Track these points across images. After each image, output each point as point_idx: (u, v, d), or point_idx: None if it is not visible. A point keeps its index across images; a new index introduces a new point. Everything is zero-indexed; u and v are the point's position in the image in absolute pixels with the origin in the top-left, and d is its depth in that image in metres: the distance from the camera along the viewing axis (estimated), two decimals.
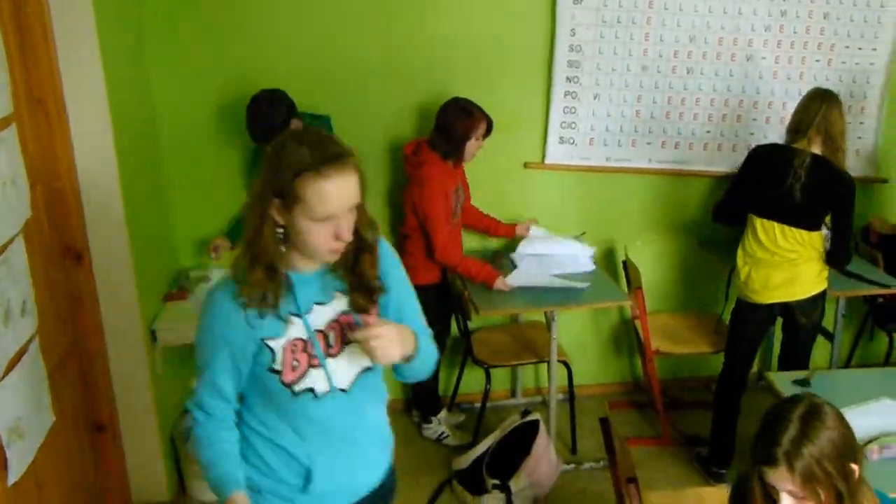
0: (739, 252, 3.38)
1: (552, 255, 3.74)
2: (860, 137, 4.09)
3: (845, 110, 3.29)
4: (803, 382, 2.81)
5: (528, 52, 3.77)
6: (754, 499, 1.74)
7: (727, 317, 3.77)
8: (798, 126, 3.22)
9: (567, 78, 3.80)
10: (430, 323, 3.69)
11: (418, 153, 3.52)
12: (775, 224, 3.24)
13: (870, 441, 2.40)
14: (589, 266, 3.74)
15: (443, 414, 3.91)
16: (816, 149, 3.16)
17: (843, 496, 1.64)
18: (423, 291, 3.57)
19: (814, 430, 1.64)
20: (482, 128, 3.47)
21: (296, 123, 3.28)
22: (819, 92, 3.26)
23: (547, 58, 3.78)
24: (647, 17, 3.78)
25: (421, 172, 3.46)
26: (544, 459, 3.37)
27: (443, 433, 3.87)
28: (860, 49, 3.99)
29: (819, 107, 3.18)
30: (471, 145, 3.48)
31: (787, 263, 3.25)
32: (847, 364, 4.25)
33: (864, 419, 2.52)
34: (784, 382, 2.82)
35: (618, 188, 4.03)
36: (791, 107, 3.36)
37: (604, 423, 2.53)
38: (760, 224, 3.27)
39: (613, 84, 3.85)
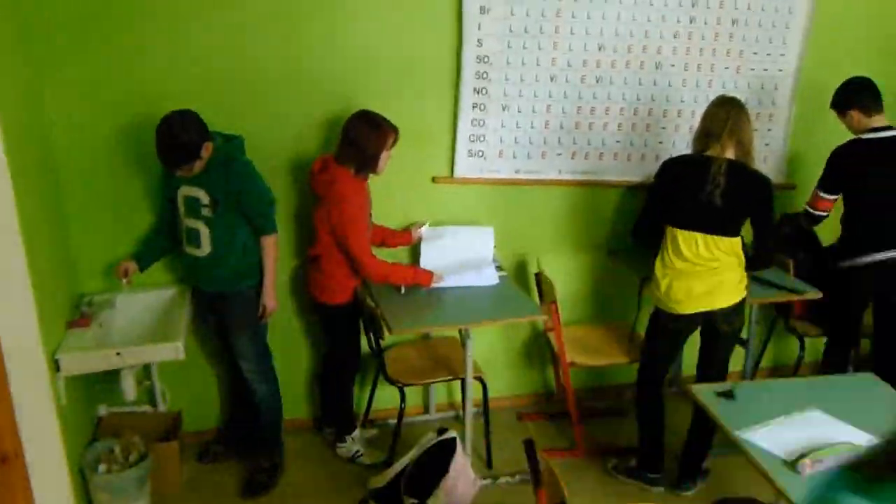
0: (658, 264, 3.36)
1: (455, 252, 3.73)
2: (768, 144, 4.11)
3: (754, 117, 3.30)
4: (728, 394, 2.78)
5: (435, 63, 3.65)
6: None
7: (640, 327, 3.76)
8: (708, 133, 3.20)
9: (475, 90, 3.69)
10: (342, 342, 3.65)
11: (326, 170, 3.40)
12: (697, 234, 3.21)
13: (801, 455, 2.37)
14: (494, 279, 3.68)
15: (357, 432, 3.82)
16: (730, 154, 3.16)
17: None
18: (335, 311, 3.59)
19: None
20: (392, 140, 3.38)
21: (207, 147, 3.14)
22: (725, 99, 3.26)
23: (454, 69, 3.67)
24: (555, 26, 3.69)
25: (334, 191, 3.35)
26: (462, 477, 3.32)
27: (357, 452, 3.79)
28: (769, 55, 3.99)
29: (728, 113, 3.17)
30: (383, 158, 3.39)
31: (709, 273, 3.24)
32: (756, 367, 4.29)
33: (794, 432, 2.53)
34: (708, 394, 2.79)
35: (529, 201, 3.96)
36: (701, 114, 3.33)
37: (528, 445, 2.47)
38: (681, 235, 3.25)
39: (522, 95, 3.76)
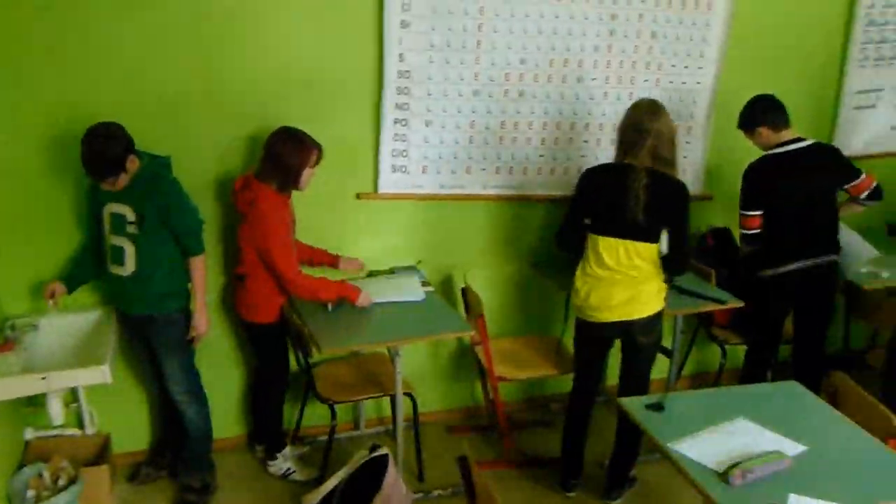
0: (578, 273, 3.38)
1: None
2: (686, 157, 4.18)
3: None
4: (657, 406, 2.81)
5: (356, 78, 3.60)
6: None
7: (567, 338, 3.79)
8: (625, 141, 3.22)
9: (397, 105, 3.66)
10: (270, 360, 3.58)
11: (249, 188, 3.34)
12: (618, 242, 3.23)
13: (731, 466, 2.40)
14: (420, 295, 3.65)
15: (287, 450, 3.77)
16: (648, 162, 3.17)
17: None
18: (263, 330, 3.50)
19: None
20: (315, 156, 3.33)
21: (132, 160, 3.11)
22: (646, 102, 3.26)
23: (376, 84, 3.63)
24: (476, 40, 3.68)
25: (257, 208, 3.30)
26: (395, 493, 3.30)
27: (289, 469, 3.74)
28: (687, 68, 4.07)
29: (648, 119, 3.17)
30: (306, 174, 3.34)
31: (629, 281, 3.26)
32: (679, 375, 4.37)
33: (723, 442, 2.57)
34: (636, 406, 2.82)
35: (454, 216, 3.95)
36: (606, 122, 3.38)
37: (462, 461, 2.47)
38: (603, 243, 3.27)
39: (445, 110, 3.75)
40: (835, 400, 2.90)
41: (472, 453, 3.80)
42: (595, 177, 3.34)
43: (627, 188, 3.15)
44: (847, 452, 2.54)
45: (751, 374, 3.97)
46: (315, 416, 3.92)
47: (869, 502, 2.27)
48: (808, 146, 3.71)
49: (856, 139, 4.48)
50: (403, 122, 3.70)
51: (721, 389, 3.51)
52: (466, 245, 4.04)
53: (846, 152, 3.92)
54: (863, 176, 3.76)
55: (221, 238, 3.65)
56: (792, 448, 2.52)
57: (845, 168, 3.78)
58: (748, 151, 3.78)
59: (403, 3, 3.52)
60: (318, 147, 3.33)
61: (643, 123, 3.17)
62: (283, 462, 3.74)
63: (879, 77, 4.37)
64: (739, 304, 3.75)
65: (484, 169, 3.90)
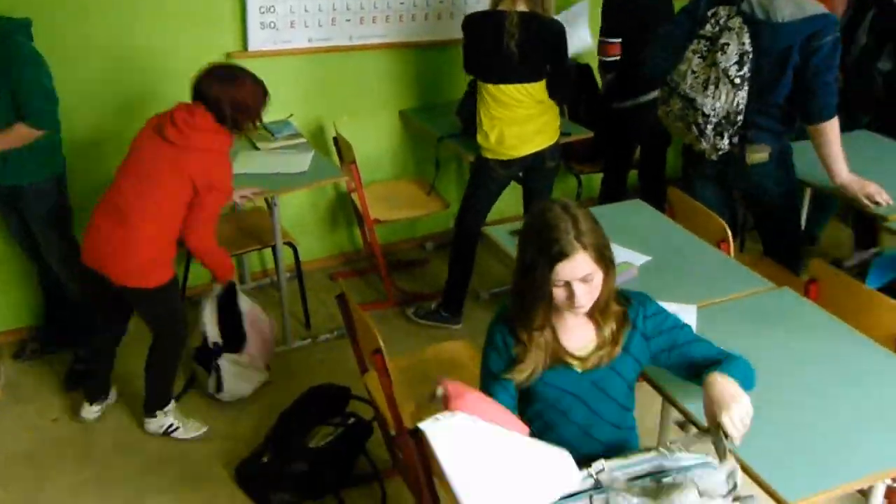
0: (483, 117, 3.54)
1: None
2: None
3: None
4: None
5: None
6: (537, 321, 1.92)
7: (439, 181, 4.05)
8: None
9: None
10: (170, 321, 3.19)
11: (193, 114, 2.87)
12: (509, 86, 3.43)
13: None
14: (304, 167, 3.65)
15: (172, 403, 3.30)
16: (521, 7, 3.35)
17: (611, 262, 1.90)
18: (159, 294, 2.99)
19: (578, 213, 1.85)
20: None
21: None
22: None
23: None
24: None
25: (208, 138, 2.86)
26: (256, 315, 3.40)
27: (172, 425, 3.25)
28: None
29: None
30: None
31: (536, 116, 3.52)
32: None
33: None
34: (502, 234, 2.95)
35: (324, 68, 4.01)
36: None
37: (340, 299, 2.59)
38: (495, 89, 3.46)
39: None
40: (674, 214, 3.19)
41: (355, 296, 4.06)
42: (474, 24, 3.49)
43: (503, 32, 3.33)
44: (685, 258, 2.80)
45: (606, 199, 4.33)
46: (197, 276, 3.89)
47: (704, 297, 2.53)
48: None
49: None
50: None
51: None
52: (337, 96, 4.12)
53: None
54: None
55: None
56: (638, 259, 2.76)
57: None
58: None
59: None
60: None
61: None
62: (164, 418, 3.25)
63: None
64: (588, 134, 4.06)
65: (349, 20, 3.94)
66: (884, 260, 2.67)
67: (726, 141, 2.97)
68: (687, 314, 2.35)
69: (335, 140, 3.99)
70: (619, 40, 3.96)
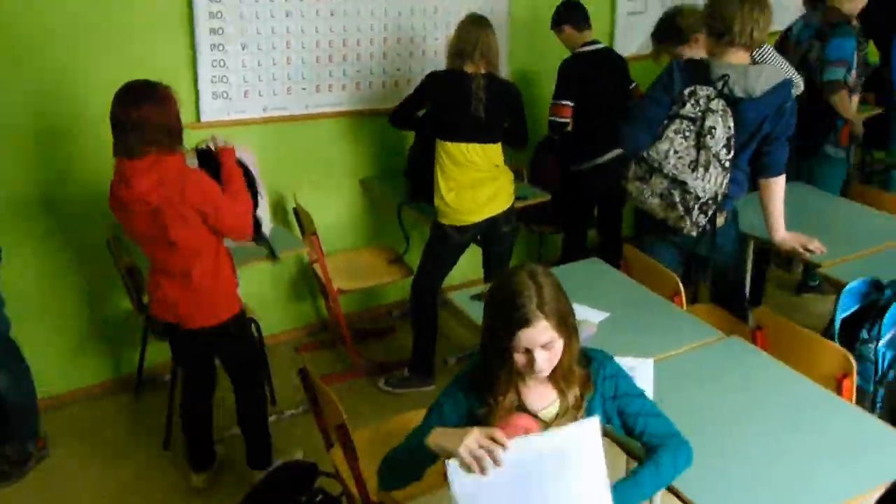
0: (440, 181, 3.57)
1: None
2: None
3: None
4: (479, 297, 2.91)
5: (162, 4, 3.55)
6: (501, 384, 1.92)
7: (406, 248, 4.07)
8: (462, 51, 3.48)
9: (211, 30, 3.64)
10: (248, 357, 3.27)
11: (141, 171, 2.68)
12: (470, 145, 3.50)
13: None
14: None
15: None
16: (483, 69, 3.47)
17: (574, 329, 1.92)
18: (232, 326, 3.03)
19: (543, 281, 1.86)
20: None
21: None
22: (475, 17, 3.54)
23: (186, 9, 3.59)
24: None
25: (180, 179, 2.70)
26: None
27: None
28: None
29: (479, 31, 3.46)
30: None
31: (490, 180, 3.57)
32: (507, 267, 4.65)
33: None
34: (463, 299, 2.97)
35: (281, 138, 4.02)
36: (434, 39, 3.61)
37: (302, 373, 2.56)
38: (456, 149, 3.51)
39: (260, 32, 3.77)
40: (629, 270, 3.24)
41: (321, 367, 4.01)
42: (440, 82, 3.57)
43: (471, 94, 3.44)
44: (642, 313, 2.86)
45: (566, 259, 4.31)
46: (159, 354, 3.85)
47: (660, 350, 2.58)
48: (603, 48, 4.06)
49: (631, 43, 4.86)
50: (220, 47, 3.69)
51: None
52: (296, 166, 4.12)
53: (624, 55, 4.33)
54: (634, 84, 4.22)
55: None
56: (597, 315, 2.80)
57: (627, 73, 4.19)
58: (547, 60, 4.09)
59: None
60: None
61: (476, 35, 3.45)
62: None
63: None
64: (545, 197, 4.10)
65: (304, 89, 3.97)
66: (849, 291, 2.73)
67: (706, 217, 3.03)
68: (644, 368, 2.38)
69: (295, 211, 3.98)
70: (572, 103, 4.03)
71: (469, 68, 3.47)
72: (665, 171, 2.99)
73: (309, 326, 4.47)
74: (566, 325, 1.88)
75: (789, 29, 4.42)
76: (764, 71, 2.97)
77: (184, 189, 2.68)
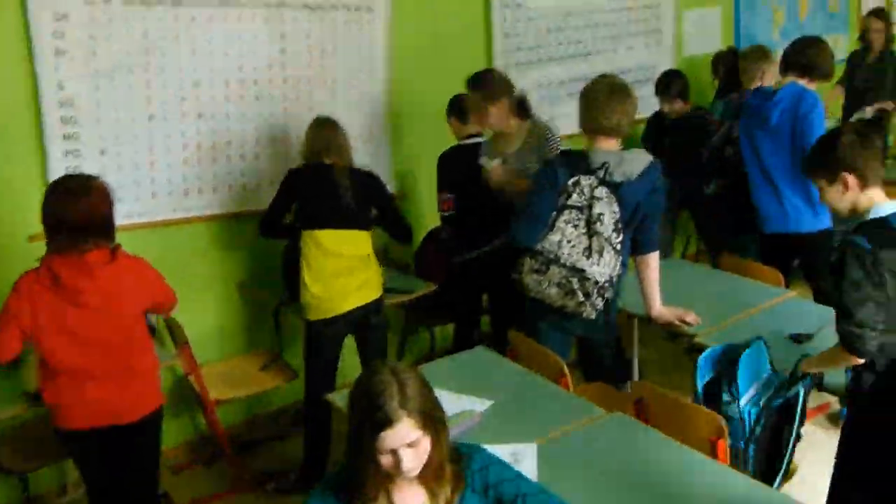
0: (305, 273, 3.50)
1: None
2: (373, 158, 4.37)
3: (357, 137, 3.76)
4: None
5: (7, 112, 3.40)
6: (369, 486, 1.82)
7: (286, 349, 3.90)
8: (315, 151, 3.57)
9: (64, 136, 3.49)
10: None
11: (77, 267, 2.69)
12: (339, 232, 3.48)
13: None
14: None
15: None
16: (340, 161, 3.57)
17: (442, 425, 1.84)
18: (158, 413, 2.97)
19: (405, 377, 1.79)
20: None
21: None
22: (321, 119, 3.64)
23: (34, 117, 3.44)
24: (147, 62, 3.65)
25: (129, 270, 2.81)
26: None
27: None
28: (359, 81, 4.30)
29: (327, 132, 3.59)
30: None
31: (359, 269, 3.55)
32: (400, 358, 4.57)
33: None
34: (344, 399, 2.86)
35: (147, 245, 3.77)
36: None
37: (166, 500, 2.40)
38: (325, 237, 3.48)
39: (120, 138, 3.65)
40: (516, 355, 3.21)
41: (203, 485, 3.78)
42: (300, 179, 3.60)
43: (337, 184, 3.47)
44: (527, 397, 2.83)
45: (459, 348, 4.24)
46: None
47: (545, 433, 2.55)
48: (484, 140, 4.09)
49: None
50: (75, 154, 3.54)
51: (425, 366, 3.72)
52: (165, 274, 3.91)
53: None
54: None
55: None
56: (480, 405, 2.75)
57: None
58: (428, 149, 4.13)
59: (55, 31, 3.39)
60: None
61: (320, 135, 3.58)
62: None
63: (523, 78, 4.83)
64: (431, 288, 4.06)
65: (171, 193, 3.84)
66: (704, 359, 2.80)
67: (603, 300, 3.08)
68: (525, 454, 2.34)
69: (166, 321, 3.78)
70: (452, 195, 4.03)
71: (327, 160, 3.55)
72: (562, 260, 3.05)
73: (189, 443, 4.18)
74: (433, 421, 1.80)
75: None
76: (636, 155, 3.12)
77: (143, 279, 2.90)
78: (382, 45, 4.34)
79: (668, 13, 5.68)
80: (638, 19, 5.51)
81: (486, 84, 3.72)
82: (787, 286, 3.75)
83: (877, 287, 2.35)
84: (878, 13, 5.89)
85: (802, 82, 3.88)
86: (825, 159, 2.54)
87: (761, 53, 4.69)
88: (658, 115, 5.02)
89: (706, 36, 5.99)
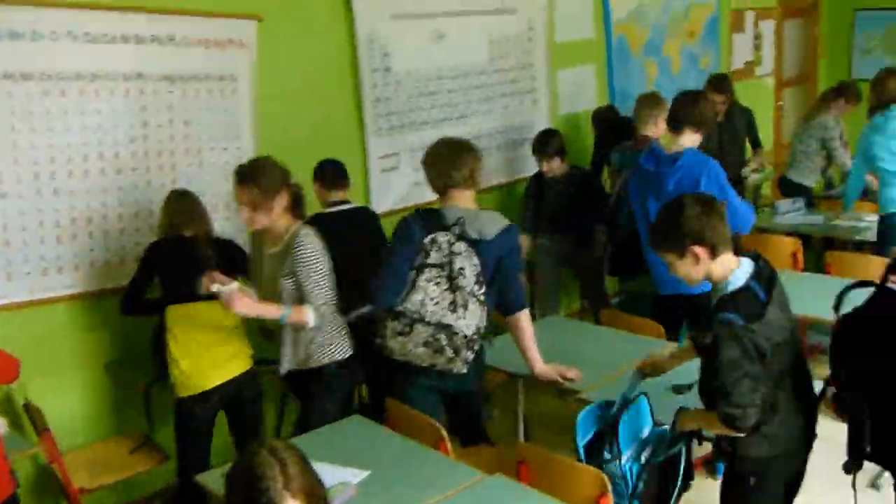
0: (172, 348, 3.39)
1: None
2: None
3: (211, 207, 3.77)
4: None
5: None
6: None
7: (163, 431, 3.75)
8: (173, 223, 3.59)
9: None
10: None
11: None
12: (204, 304, 3.33)
13: None
14: None
15: None
16: (201, 232, 3.61)
17: (324, 500, 1.82)
18: None
19: (285, 457, 1.73)
20: None
21: None
22: (177, 192, 3.71)
23: None
24: None
25: None
26: None
27: None
28: (226, 149, 4.26)
29: (182, 203, 3.64)
30: None
31: (229, 340, 3.46)
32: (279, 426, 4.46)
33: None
34: (217, 481, 2.73)
35: (2, 329, 3.64)
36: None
37: None
38: (194, 309, 3.38)
39: None
40: (392, 423, 3.18)
41: None
42: (160, 250, 3.56)
43: (198, 255, 3.46)
44: (404, 465, 2.82)
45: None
46: None
47: (423, 500, 2.57)
48: (350, 208, 4.10)
49: (386, 198, 4.94)
50: None
51: (301, 437, 3.66)
52: (24, 358, 3.63)
53: (381, 210, 4.45)
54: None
55: None
56: (356, 476, 2.72)
57: (378, 230, 4.22)
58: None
59: None
60: None
61: (178, 206, 3.65)
62: None
63: (395, 142, 4.95)
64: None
65: (28, 273, 3.67)
66: (582, 419, 2.82)
67: (473, 353, 3.10)
68: None
69: (26, 407, 3.57)
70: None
71: (188, 232, 3.56)
72: (427, 318, 3.04)
73: None
74: (317, 499, 1.77)
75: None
76: (491, 216, 3.19)
77: None
78: (248, 113, 4.33)
79: (541, 73, 5.78)
80: (512, 80, 5.59)
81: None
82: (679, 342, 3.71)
83: (753, 361, 2.31)
84: (718, 86, 5.77)
85: (696, 136, 3.82)
86: (671, 234, 2.48)
87: (655, 101, 4.77)
88: (538, 176, 5.10)
89: (581, 94, 6.14)
